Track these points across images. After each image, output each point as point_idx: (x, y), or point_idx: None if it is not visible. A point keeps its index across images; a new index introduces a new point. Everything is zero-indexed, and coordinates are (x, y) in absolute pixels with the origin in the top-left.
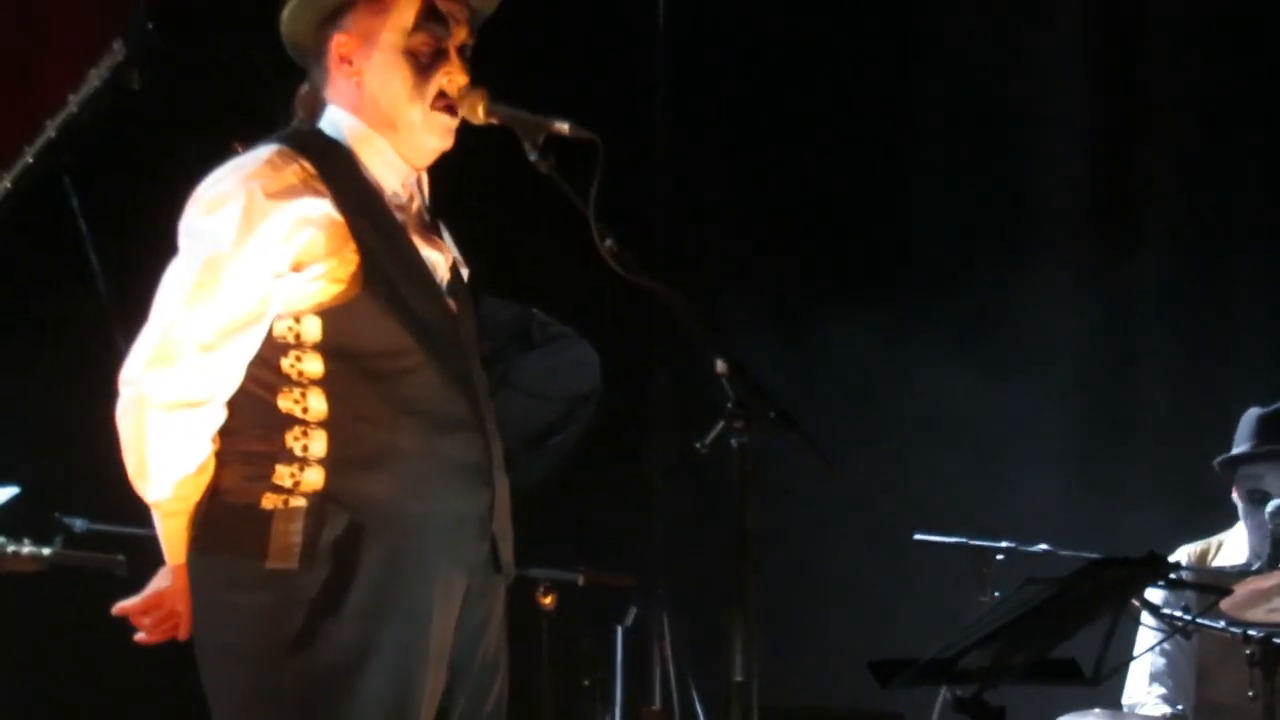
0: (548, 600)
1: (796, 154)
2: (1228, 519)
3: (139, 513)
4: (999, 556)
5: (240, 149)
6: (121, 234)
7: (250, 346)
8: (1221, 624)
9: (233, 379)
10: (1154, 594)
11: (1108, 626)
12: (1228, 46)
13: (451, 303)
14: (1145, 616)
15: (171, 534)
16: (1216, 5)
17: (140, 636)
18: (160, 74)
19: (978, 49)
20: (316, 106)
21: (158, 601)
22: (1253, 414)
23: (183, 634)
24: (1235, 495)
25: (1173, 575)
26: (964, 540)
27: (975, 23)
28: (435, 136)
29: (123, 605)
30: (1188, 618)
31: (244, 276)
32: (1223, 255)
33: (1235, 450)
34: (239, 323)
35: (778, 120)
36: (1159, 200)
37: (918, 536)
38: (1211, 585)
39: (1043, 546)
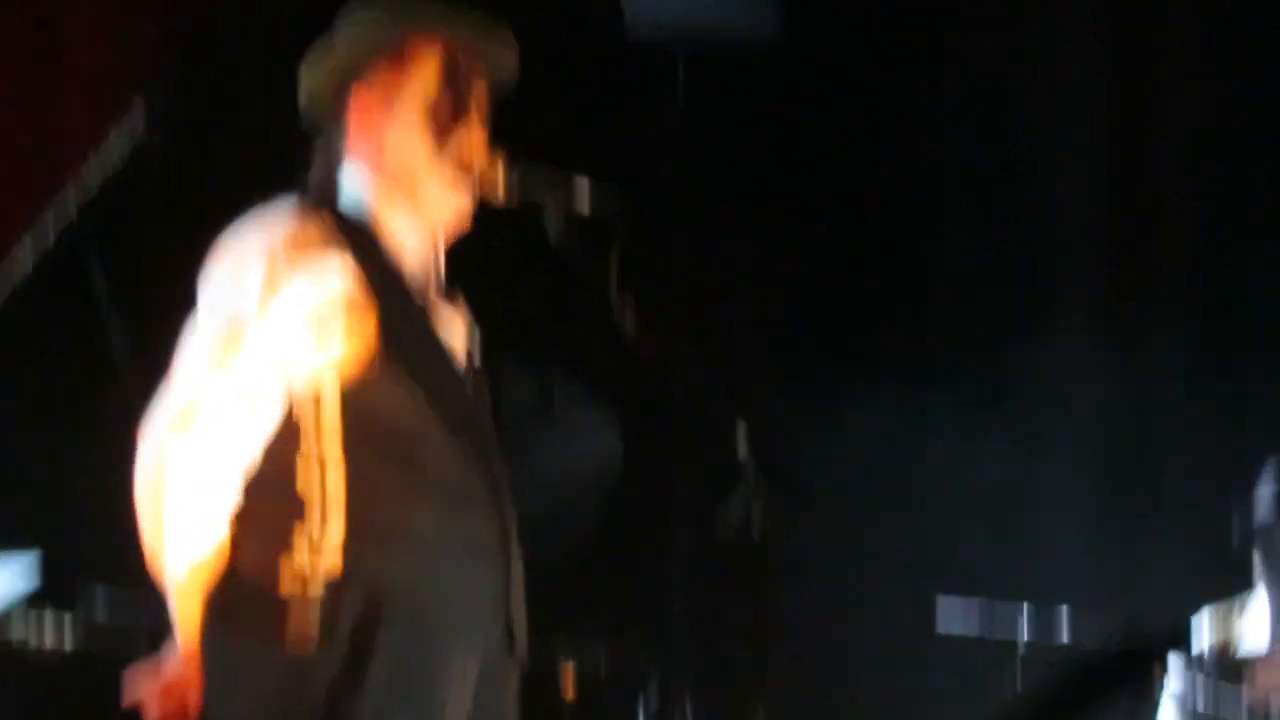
0: (568, 684)
1: (813, 223)
2: (1250, 578)
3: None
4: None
5: (259, 204)
6: (141, 299)
7: (267, 418)
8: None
9: (250, 451)
10: (1175, 678)
11: None
12: (1248, 120)
13: (468, 380)
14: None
15: (185, 617)
16: (1237, 83)
17: None
18: (179, 136)
19: (995, 115)
20: (334, 163)
21: (167, 685)
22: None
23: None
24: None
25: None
26: (984, 636)
27: (993, 88)
28: (455, 196)
29: (132, 695)
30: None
31: (264, 342)
32: (1242, 316)
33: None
34: (259, 392)
35: (795, 188)
36: (1178, 263)
37: (940, 630)
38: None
39: (1064, 607)
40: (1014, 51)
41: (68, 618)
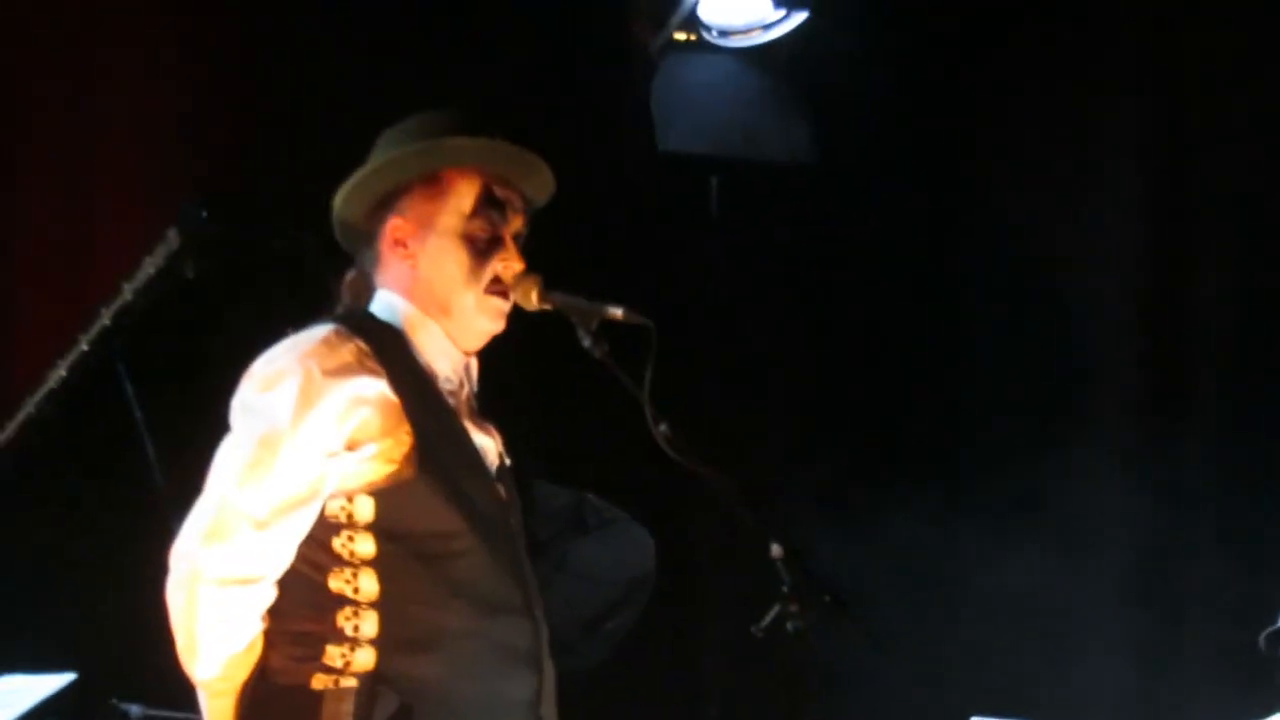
0: None
1: (844, 335)
2: None
3: (194, 698)
4: None
5: (292, 332)
6: (175, 419)
7: (303, 525)
8: None
9: (285, 557)
10: None
11: None
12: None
13: (501, 488)
14: None
15: (217, 713)
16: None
17: None
18: (213, 260)
19: (1024, 221)
20: (365, 291)
21: None
22: None
23: None
24: None
25: None
26: None
27: (1022, 194)
28: (488, 319)
29: None
30: None
31: (299, 454)
32: (1275, 431)
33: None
34: (293, 501)
35: (826, 302)
36: (1208, 375)
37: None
38: None
39: None
40: (1046, 172)
41: None
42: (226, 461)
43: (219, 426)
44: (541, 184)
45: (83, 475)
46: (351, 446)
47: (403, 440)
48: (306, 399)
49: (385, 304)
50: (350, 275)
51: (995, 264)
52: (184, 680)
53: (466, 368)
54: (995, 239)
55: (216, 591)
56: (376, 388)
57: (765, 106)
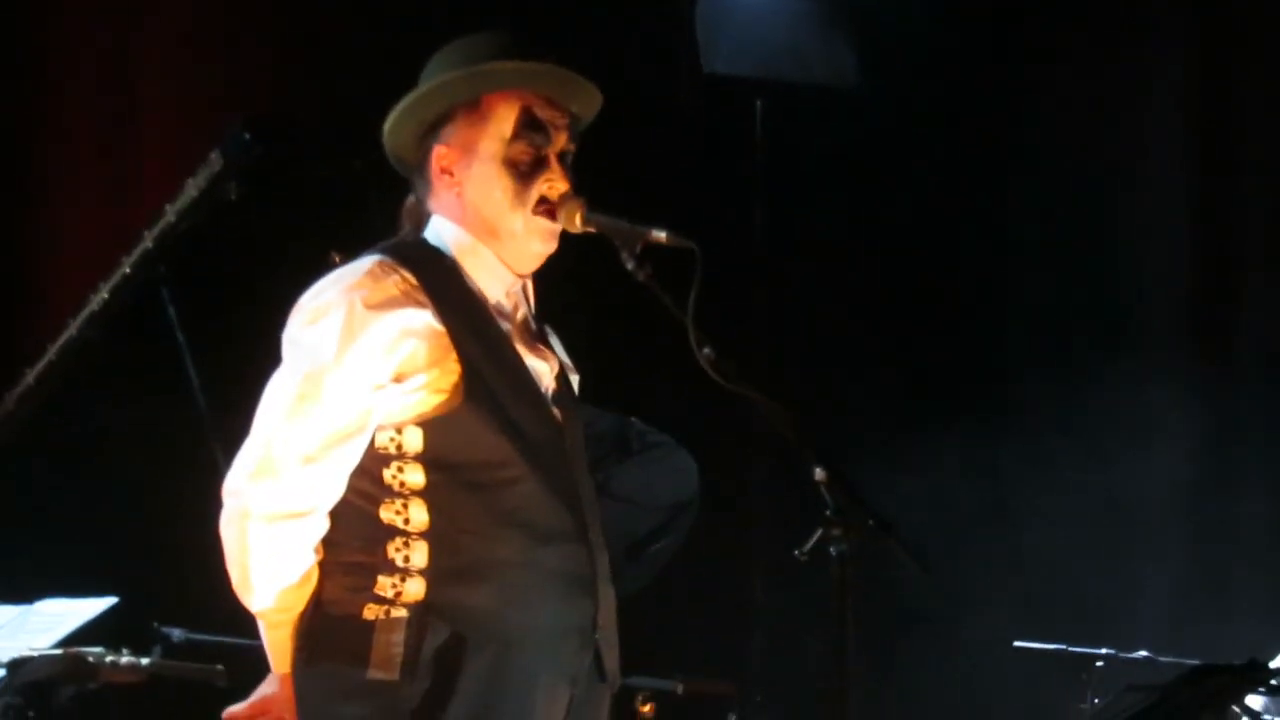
0: (647, 709)
1: (888, 259)
2: None
3: (237, 622)
4: (1099, 663)
5: (339, 260)
6: (219, 345)
7: (352, 458)
8: None
9: (335, 490)
10: (1255, 701)
11: None
12: None
13: (557, 412)
14: None
15: (276, 643)
16: None
17: None
18: (257, 185)
19: (1072, 143)
20: (421, 218)
21: (265, 708)
22: None
23: None
24: None
25: (1275, 682)
26: (1063, 647)
27: (1072, 130)
28: (538, 241)
29: (231, 711)
30: None
31: (346, 388)
32: None
33: None
34: (341, 434)
35: (869, 224)
36: (1261, 309)
37: (1017, 644)
38: None
39: (1143, 653)
40: (1095, 92)
41: (145, 662)
42: (274, 397)
43: (263, 352)
44: (587, 100)
45: (125, 399)
46: (399, 379)
47: (450, 370)
48: (350, 332)
49: (437, 231)
50: (408, 203)
51: (1042, 186)
52: (225, 605)
53: (522, 290)
54: (1043, 161)
55: (267, 527)
56: (423, 319)
57: (811, 29)
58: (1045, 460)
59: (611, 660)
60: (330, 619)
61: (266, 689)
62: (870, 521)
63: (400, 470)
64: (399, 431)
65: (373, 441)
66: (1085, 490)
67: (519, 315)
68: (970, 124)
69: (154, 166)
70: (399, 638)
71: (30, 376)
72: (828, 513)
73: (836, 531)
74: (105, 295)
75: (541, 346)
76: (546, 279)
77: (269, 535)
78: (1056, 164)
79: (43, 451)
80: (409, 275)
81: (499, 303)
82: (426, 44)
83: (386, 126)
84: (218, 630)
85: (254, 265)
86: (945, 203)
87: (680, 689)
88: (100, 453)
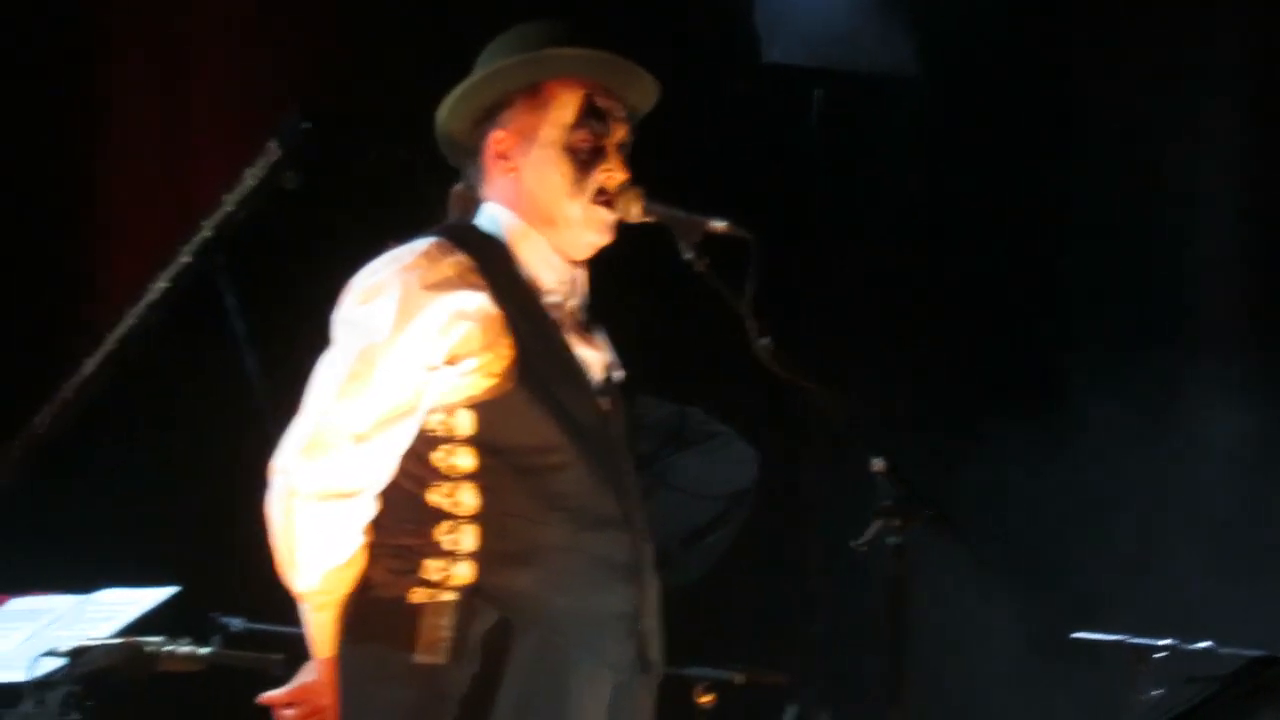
0: (706, 699)
1: (948, 250)
2: None
3: (296, 612)
4: (1159, 655)
5: (394, 244)
6: (277, 333)
7: (403, 439)
8: None
9: (385, 471)
10: None
11: None
12: None
13: (603, 402)
14: None
15: (319, 626)
16: None
17: None
18: (314, 173)
19: (1136, 130)
20: (471, 204)
21: (304, 694)
22: None
23: None
24: None
25: None
26: (1123, 638)
27: (1138, 115)
28: (594, 231)
29: (268, 696)
30: None
31: (398, 368)
32: None
33: None
34: (393, 414)
35: (928, 216)
36: None
37: (1076, 635)
38: None
39: (1205, 644)
40: (1160, 75)
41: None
42: (326, 375)
43: (320, 340)
44: (644, 92)
45: (183, 388)
46: (452, 360)
47: (503, 354)
48: (406, 312)
49: (490, 217)
50: (456, 189)
51: (1106, 176)
52: (285, 594)
53: (574, 279)
54: (1107, 147)
55: (315, 506)
56: (477, 301)
57: (870, 17)
58: (1105, 450)
59: (654, 650)
60: (376, 602)
61: (307, 675)
62: (928, 512)
63: (450, 453)
64: (449, 414)
65: (423, 424)
66: (1147, 480)
67: (570, 304)
68: (1031, 112)
69: (211, 156)
70: (446, 621)
71: (89, 366)
72: (885, 503)
73: (894, 522)
74: (164, 284)
75: (591, 337)
76: (602, 267)
77: (317, 514)
78: (1121, 149)
79: (102, 441)
80: (464, 257)
81: (551, 290)
82: (484, 32)
83: (442, 110)
84: (277, 620)
85: (311, 253)
86: (1005, 191)
87: (739, 679)
88: (160, 441)
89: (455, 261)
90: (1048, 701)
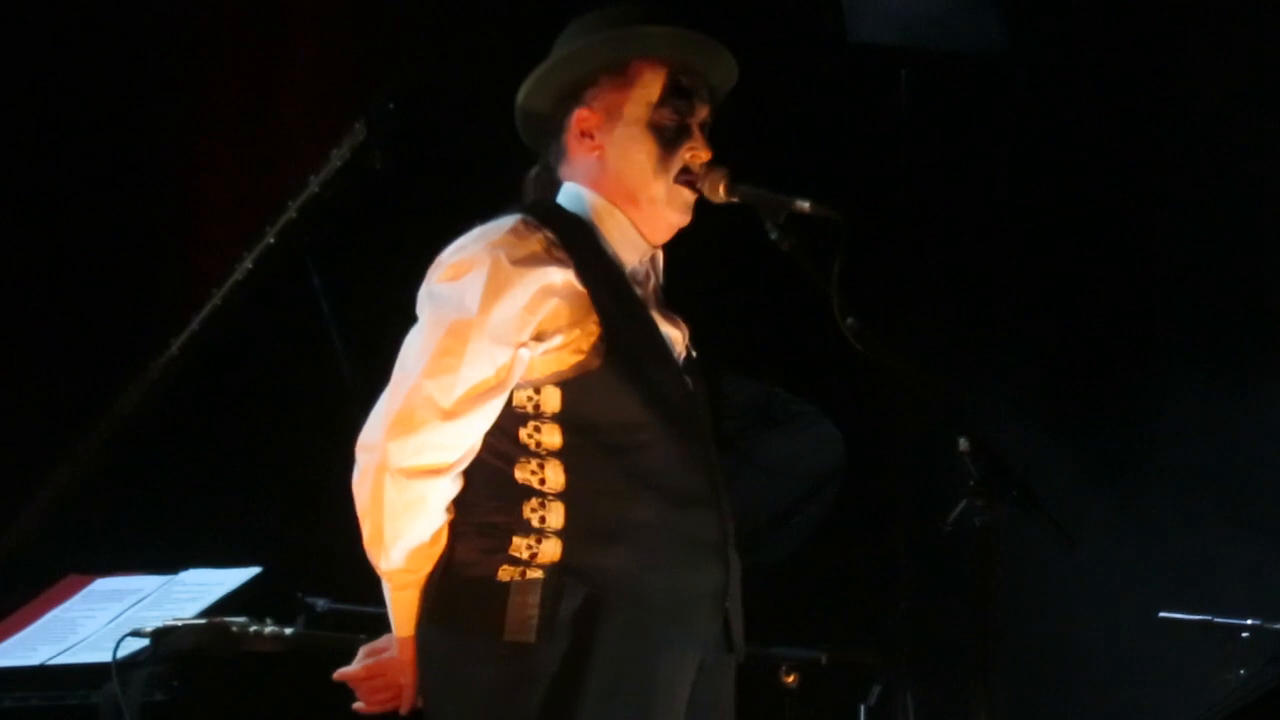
0: (791, 679)
1: (1034, 233)
2: None
3: (382, 592)
4: (1245, 634)
5: (479, 223)
6: (363, 313)
7: (490, 415)
8: None
9: (472, 447)
10: None
11: None
12: None
13: (688, 380)
14: None
15: (402, 605)
16: None
17: (359, 705)
18: (401, 153)
19: (1226, 116)
20: (550, 184)
21: (380, 670)
22: None
23: (404, 707)
24: None
25: None
26: (1209, 618)
27: (1232, 101)
28: (676, 211)
29: (344, 672)
30: None
31: (488, 343)
32: None
33: None
34: (481, 390)
35: (1015, 198)
36: None
37: (1163, 614)
38: None
39: None
40: (1252, 63)
41: (289, 632)
42: (414, 350)
43: (406, 320)
44: (726, 71)
45: (270, 368)
46: (539, 336)
47: (590, 331)
48: (495, 287)
49: (572, 196)
50: (535, 170)
51: (1198, 158)
52: (370, 574)
53: (653, 260)
54: (1199, 132)
55: (403, 482)
56: (564, 277)
57: None
58: (1189, 433)
59: (738, 630)
60: (463, 581)
61: (383, 651)
62: (1015, 492)
63: (537, 430)
64: (537, 391)
65: (510, 400)
66: (1234, 462)
67: (651, 284)
68: (1120, 92)
69: (298, 136)
70: (534, 599)
71: (175, 346)
72: (972, 483)
73: (981, 502)
74: (250, 265)
75: (672, 316)
76: (689, 247)
77: (403, 490)
78: (1214, 134)
79: (188, 421)
80: (550, 234)
81: (633, 269)
82: (566, 13)
83: (523, 90)
84: (362, 600)
85: (398, 234)
86: (1095, 175)
87: (824, 659)
88: (245, 422)
89: (542, 238)
90: (1136, 680)
